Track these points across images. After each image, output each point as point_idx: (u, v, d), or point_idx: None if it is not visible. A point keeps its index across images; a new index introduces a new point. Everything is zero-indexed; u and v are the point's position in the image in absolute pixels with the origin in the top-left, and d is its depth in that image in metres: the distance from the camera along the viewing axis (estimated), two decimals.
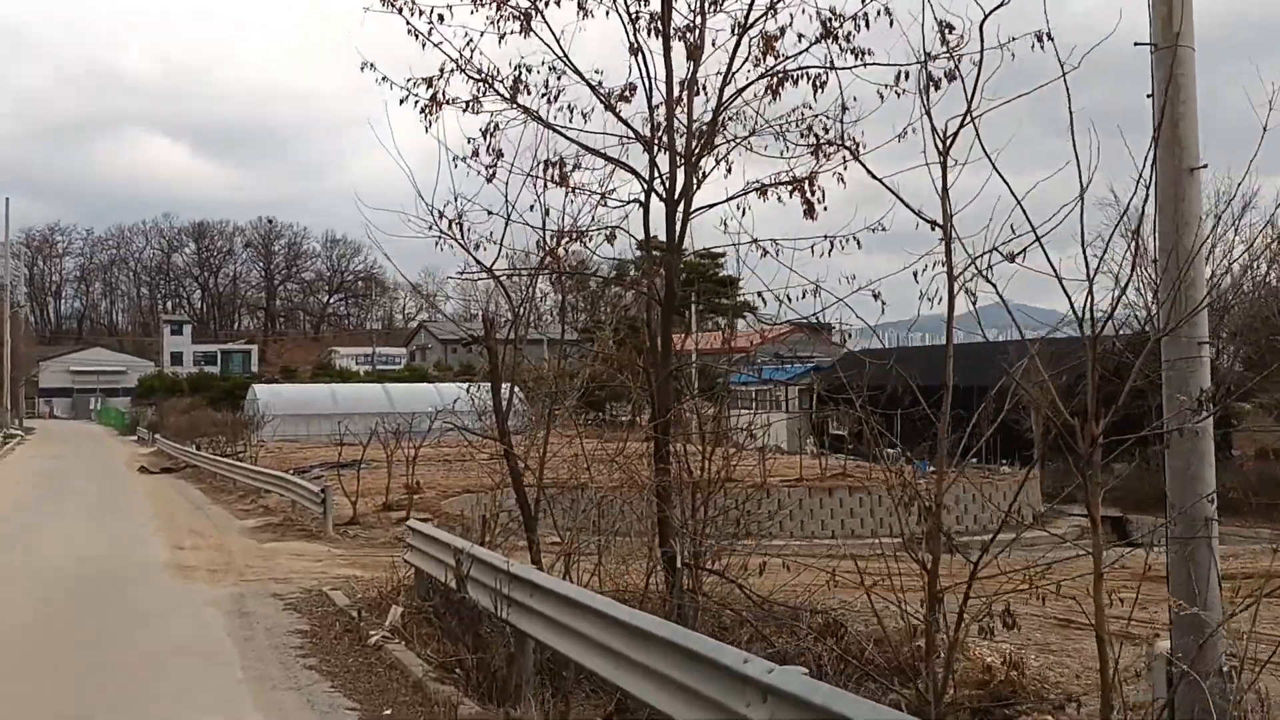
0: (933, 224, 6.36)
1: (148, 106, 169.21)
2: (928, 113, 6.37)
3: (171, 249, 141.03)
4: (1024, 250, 6.04)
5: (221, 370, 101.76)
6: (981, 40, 6.14)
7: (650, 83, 9.74)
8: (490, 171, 10.10)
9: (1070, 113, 5.64)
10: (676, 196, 9.57)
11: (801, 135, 9.06)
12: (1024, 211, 5.69)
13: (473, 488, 28.83)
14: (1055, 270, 5.97)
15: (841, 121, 8.51)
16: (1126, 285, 6.49)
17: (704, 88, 9.28)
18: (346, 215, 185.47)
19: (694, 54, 9.06)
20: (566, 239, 10.26)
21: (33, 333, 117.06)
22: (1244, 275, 39.40)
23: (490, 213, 9.53)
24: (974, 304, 6.54)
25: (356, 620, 11.28)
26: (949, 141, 6.34)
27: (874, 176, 6.47)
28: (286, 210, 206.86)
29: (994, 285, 6.32)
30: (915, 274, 6.44)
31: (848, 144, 7.07)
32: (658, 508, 10.17)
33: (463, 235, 10.71)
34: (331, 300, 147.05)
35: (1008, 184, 5.62)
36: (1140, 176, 6.26)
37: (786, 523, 27.38)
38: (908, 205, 6.35)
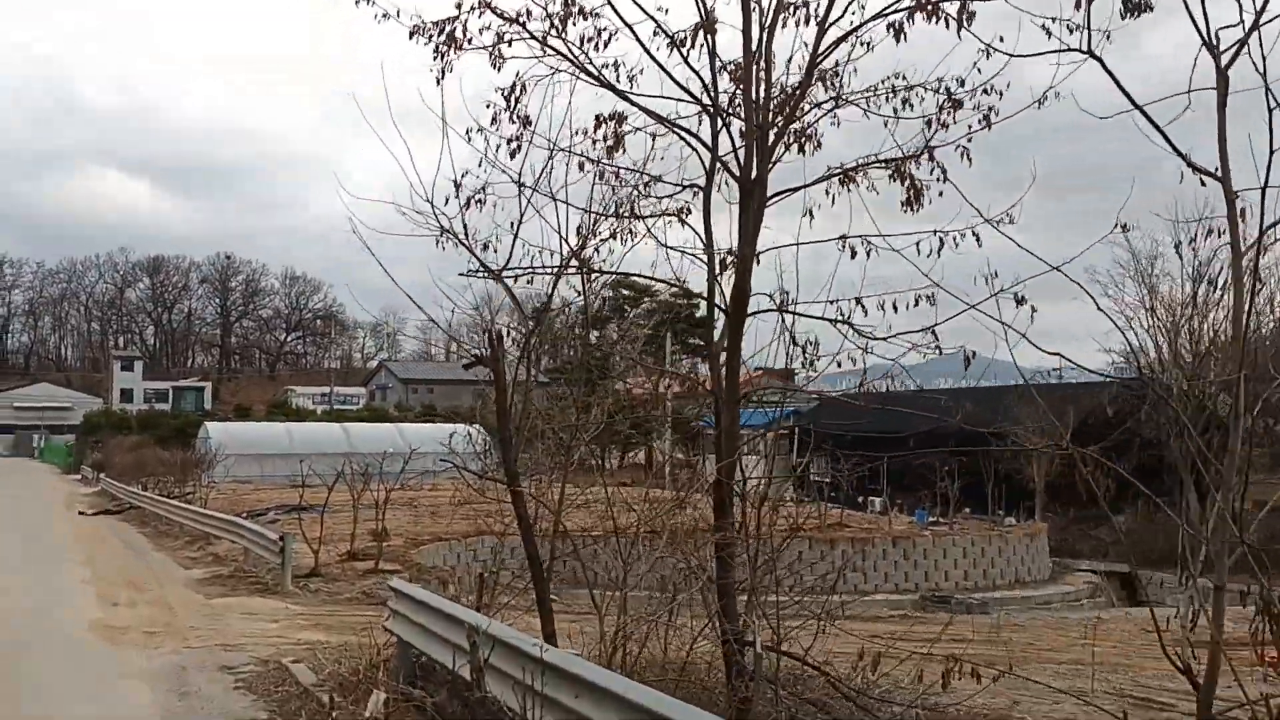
0: (1208, 175, 4.38)
1: (106, 140, 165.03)
2: (1195, 20, 4.39)
3: (125, 283, 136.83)
4: None
5: (173, 408, 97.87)
6: None
7: (713, 36, 7.76)
8: (514, 146, 8.05)
9: None
10: (754, 175, 7.54)
11: (932, 91, 7.10)
12: None
13: (444, 535, 26.45)
14: None
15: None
16: None
17: (803, 20, 7.27)
18: (306, 254, 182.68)
19: None
20: (607, 228, 8.22)
21: None
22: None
23: (521, 184, 7.45)
24: (1258, 291, 4.53)
25: (327, 708, 8.98)
26: (1228, 59, 4.37)
27: (1147, 117, 4.46)
28: (245, 248, 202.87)
29: None
30: (1178, 246, 4.43)
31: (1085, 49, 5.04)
32: (717, 571, 8.05)
33: (467, 234, 8.69)
34: (289, 339, 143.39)
35: None
36: None
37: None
38: (1179, 152, 4.36)
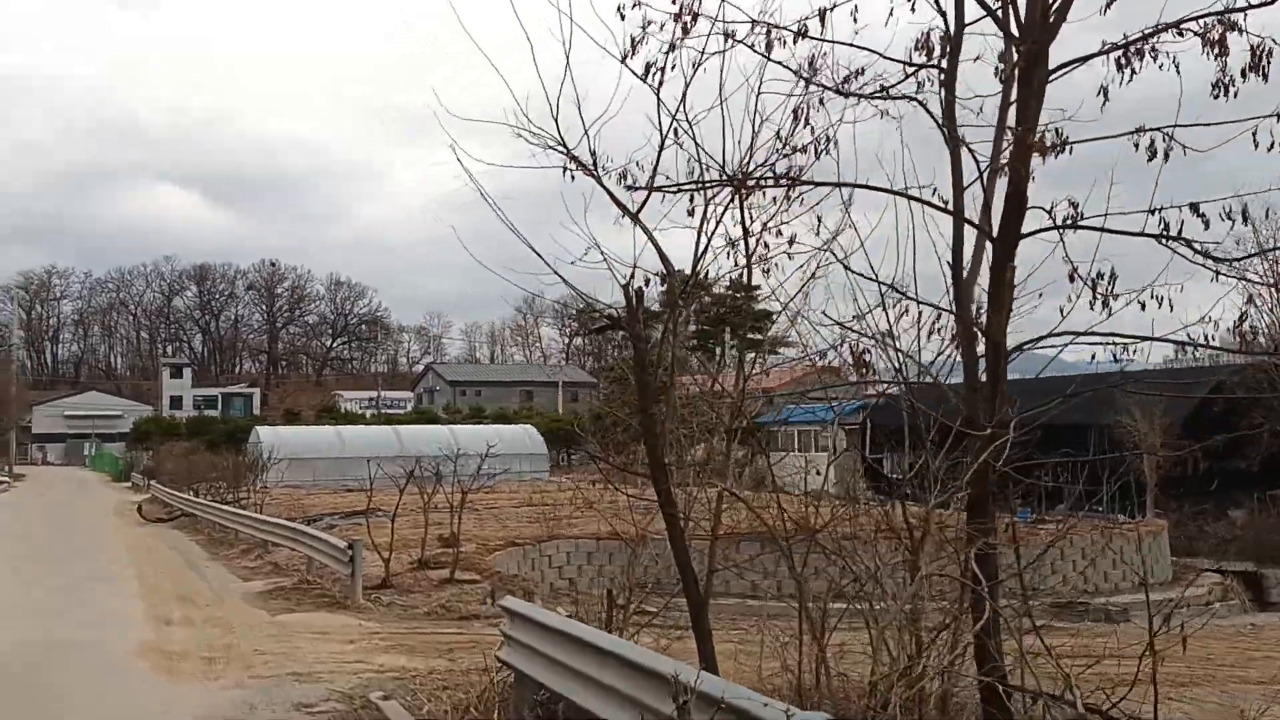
0: None
1: (156, 154, 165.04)
2: None
3: (172, 292, 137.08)
4: None
5: (222, 414, 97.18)
6: None
7: None
8: (670, 44, 6.04)
9: None
10: (1037, 34, 5.41)
11: None
12: None
13: (517, 540, 24.46)
14: None
15: None
16: None
17: None
18: (351, 260, 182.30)
19: None
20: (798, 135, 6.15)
21: (28, 377, 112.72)
22: None
23: (731, 37, 5.41)
24: None
25: None
26: None
27: None
28: (291, 256, 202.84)
29: None
30: None
31: None
32: (975, 587, 5.93)
33: (596, 166, 6.71)
34: (335, 344, 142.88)
35: None
36: None
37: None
38: None
